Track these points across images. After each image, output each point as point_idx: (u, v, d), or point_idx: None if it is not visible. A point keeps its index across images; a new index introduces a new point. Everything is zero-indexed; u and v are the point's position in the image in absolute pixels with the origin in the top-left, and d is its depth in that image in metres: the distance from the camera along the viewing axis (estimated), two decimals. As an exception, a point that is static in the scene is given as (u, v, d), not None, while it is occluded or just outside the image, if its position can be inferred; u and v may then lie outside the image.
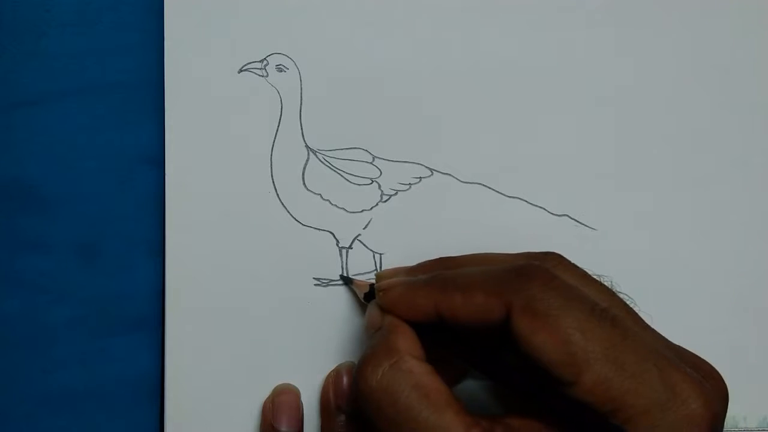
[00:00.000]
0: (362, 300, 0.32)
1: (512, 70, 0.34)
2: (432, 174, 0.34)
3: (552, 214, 0.34)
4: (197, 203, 0.33)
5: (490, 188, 0.34)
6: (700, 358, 0.25)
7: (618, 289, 0.25)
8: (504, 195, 0.34)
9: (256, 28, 0.33)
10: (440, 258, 0.30)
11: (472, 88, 0.34)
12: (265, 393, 0.33)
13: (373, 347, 0.26)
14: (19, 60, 0.34)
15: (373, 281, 0.32)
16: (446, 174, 0.34)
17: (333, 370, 0.33)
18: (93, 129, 0.34)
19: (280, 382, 0.33)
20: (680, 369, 0.23)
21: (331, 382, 0.32)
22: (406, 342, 0.26)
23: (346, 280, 0.33)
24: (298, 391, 0.33)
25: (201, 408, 0.33)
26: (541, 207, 0.34)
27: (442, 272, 0.28)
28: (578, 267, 0.27)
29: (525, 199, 0.34)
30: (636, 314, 0.25)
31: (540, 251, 0.27)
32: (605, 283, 0.26)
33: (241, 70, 0.33)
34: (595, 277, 0.26)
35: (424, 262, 0.31)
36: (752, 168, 0.35)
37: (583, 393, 0.23)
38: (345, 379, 0.32)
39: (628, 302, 0.26)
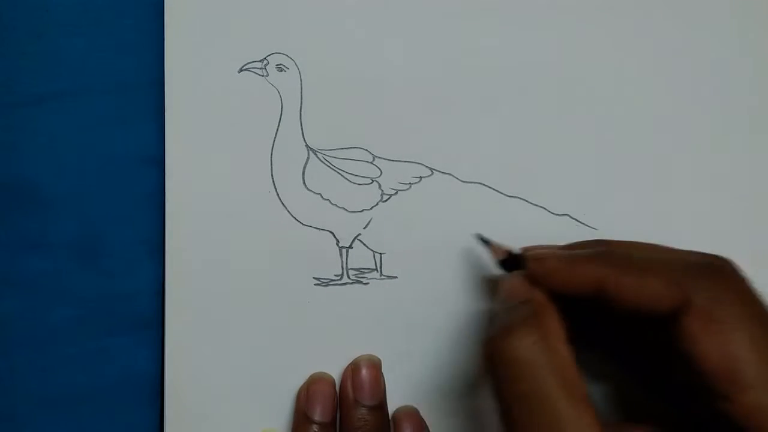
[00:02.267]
0: (498, 265, 0.30)
1: (513, 70, 0.34)
2: (432, 174, 0.34)
3: (552, 213, 0.34)
4: (197, 203, 0.33)
5: (490, 188, 0.34)
6: None
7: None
8: (504, 195, 0.34)
9: (256, 28, 0.33)
10: (599, 239, 0.29)
11: (472, 87, 0.34)
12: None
13: (521, 317, 0.25)
14: (19, 60, 0.34)
15: (512, 248, 0.30)
16: (446, 174, 0.34)
17: (351, 363, 0.33)
18: (93, 129, 0.34)
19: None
20: None
21: (349, 375, 0.32)
22: (555, 322, 0.25)
23: (483, 240, 0.31)
24: (333, 380, 0.33)
25: (201, 408, 0.33)
26: (541, 207, 0.34)
27: (614, 247, 0.27)
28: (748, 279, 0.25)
29: (525, 198, 0.34)
30: None
31: (714, 254, 0.26)
32: None
33: (241, 70, 0.33)
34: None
35: (578, 242, 0.29)
36: (753, 168, 0.35)
37: (736, 412, 0.22)
38: (363, 372, 0.32)
39: None
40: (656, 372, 0.25)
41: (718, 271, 0.24)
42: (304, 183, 0.33)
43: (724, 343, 0.23)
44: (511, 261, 0.30)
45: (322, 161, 0.33)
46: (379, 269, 0.34)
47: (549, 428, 0.22)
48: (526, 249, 0.30)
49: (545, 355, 0.23)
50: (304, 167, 0.33)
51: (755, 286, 0.25)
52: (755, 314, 0.23)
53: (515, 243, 0.34)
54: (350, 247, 0.33)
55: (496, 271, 0.31)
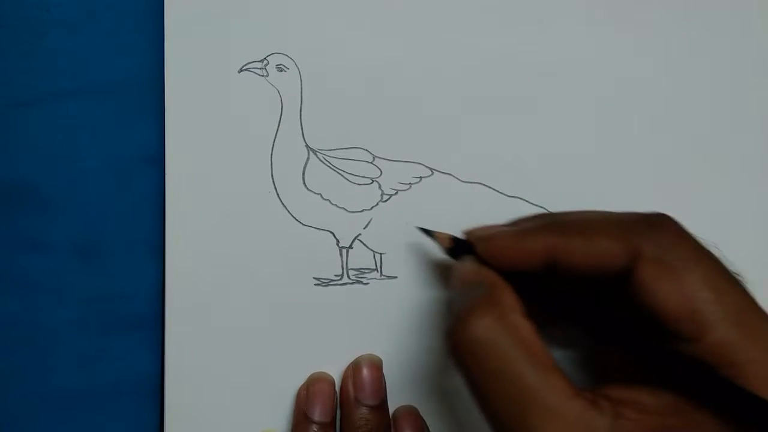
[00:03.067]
0: (445, 254, 0.30)
1: (513, 70, 0.34)
2: (432, 174, 0.34)
3: (552, 213, 0.34)
4: (197, 203, 0.33)
5: (490, 188, 0.34)
6: None
7: (728, 264, 0.25)
8: (504, 195, 0.34)
9: (256, 28, 0.33)
10: (540, 213, 0.29)
11: (472, 87, 0.34)
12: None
13: (475, 299, 0.25)
14: (19, 60, 0.34)
15: (455, 235, 0.30)
16: (446, 174, 0.34)
17: (351, 363, 0.33)
18: (93, 129, 0.34)
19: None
20: None
21: (350, 375, 0.32)
22: (511, 297, 0.25)
23: (426, 232, 0.31)
24: (333, 379, 0.33)
25: (201, 408, 0.33)
26: (541, 207, 0.34)
27: (557, 217, 0.27)
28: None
29: (525, 198, 0.34)
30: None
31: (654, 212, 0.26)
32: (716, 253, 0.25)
33: (241, 70, 0.33)
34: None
35: (521, 217, 0.29)
36: (754, 168, 0.35)
37: (703, 352, 0.22)
38: (364, 372, 0.32)
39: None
40: (620, 331, 0.25)
41: (660, 223, 0.24)
42: (304, 183, 0.33)
43: (680, 286, 0.23)
44: (458, 247, 0.29)
45: (322, 161, 0.33)
46: (379, 269, 0.34)
47: (521, 400, 0.22)
48: (470, 232, 0.29)
49: (505, 331, 0.23)
50: (304, 167, 0.33)
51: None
52: (703, 255, 0.24)
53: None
54: (350, 247, 0.33)
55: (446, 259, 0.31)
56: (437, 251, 0.34)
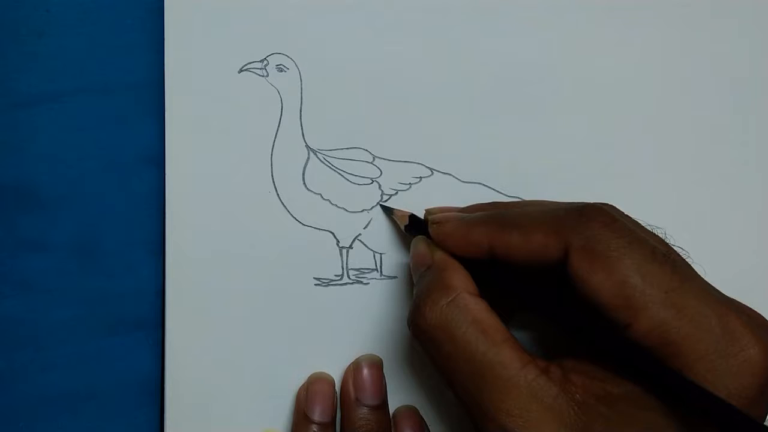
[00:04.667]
0: (403, 230, 0.32)
1: (513, 70, 0.34)
2: (432, 174, 0.34)
3: (552, 213, 0.34)
4: (197, 203, 0.33)
5: (490, 188, 0.34)
6: (753, 309, 0.25)
7: (671, 242, 0.25)
8: (504, 195, 0.34)
9: (256, 28, 0.33)
10: (494, 201, 0.31)
11: (472, 87, 0.34)
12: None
13: (427, 285, 0.27)
14: (19, 60, 0.34)
15: (411, 212, 0.32)
16: (446, 174, 0.34)
17: (352, 363, 0.33)
18: (93, 129, 0.34)
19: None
20: (738, 316, 0.23)
21: (350, 375, 0.32)
22: (461, 279, 0.27)
23: (386, 210, 0.33)
24: (333, 379, 0.33)
25: (201, 408, 0.33)
26: (541, 207, 0.34)
27: (499, 210, 0.28)
28: (631, 217, 0.26)
29: (525, 198, 0.34)
30: (690, 265, 0.25)
31: (595, 201, 0.27)
32: (659, 234, 0.26)
33: (241, 70, 0.33)
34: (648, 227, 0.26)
35: (477, 204, 0.31)
36: (754, 168, 0.35)
37: (639, 336, 0.23)
38: (365, 372, 0.32)
39: (682, 254, 0.25)
40: (565, 315, 0.26)
41: (591, 214, 0.25)
42: (304, 183, 0.33)
43: (610, 274, 0.23)
44: (414, 226, 0.31)
45: (322, 161, 0.33)
46: (379, 269, 0.34)
47: (477, 376, 0.24)
48: (429, 211, 0.32)
49: (457, 312, 0.25)
50: (304, 167, 0.33)
51: (634, 220, 0.26)
52: (634, 240, 0.24)
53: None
54: (350, 247, 0.33)
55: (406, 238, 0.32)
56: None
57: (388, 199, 0.34)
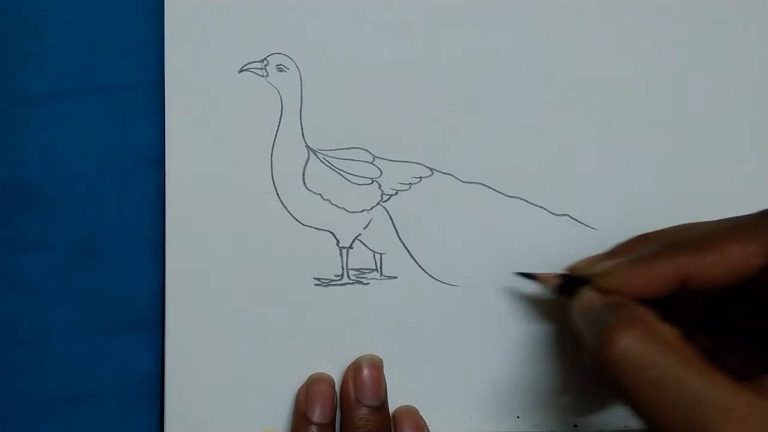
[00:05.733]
0: (555, 294, 0.30)
1: (512, 70, 0.34)
2: (432, 174, 0.34)
3: (552, 213, 0.34)
4: (197, 203, 0.33)
5: (490, 188, 0.34)
6: None
7: None
8: (504, 195, 0.34)
9: (256, 28, 0.33)
10: (638, 236, 0.29)
11: (472, 87, 0.34)
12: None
13: (614, 316, 0.25)
14: (19, 60, 0.34)
15: (564, 272, 0.30)
16: (446, 174, 0.34)
17: (352, 363, 0.33)
18: (93, 129, 0.34)
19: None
20: None
21: (350, 375, 0.32)
22: (645, 310, 0.25)
23: (528, 276, 0.32)
24: (333, 380, 0.33)
25: (201, 408, 0.33)
26: (541, 207, 0.34)
27: (673, 238, 0.27)
28: None
29: (525, 199, 0.34)
30: None
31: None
32: None
33: (241, 70, 0.33)
34: None
35: (621, 243, 0.30)
36: (753, 168, 0.35)
37: None
38: (365, 372, 0.32)
39: None
40: (756, 330, 0.25)
41: None
42: (304, 183, 0.33)
43: None
44: (568, 284, 0.30)
45: (322, 161, 0.33)
46: (379, 269, 0.34)
47: (689, 403, 0.22)
48: (577, 268, 0.30)
49: (653, 340, 0.24)
50: (304, 167, 0.33)
51: None
52: None
53: (515, 243, 0.34)
54: (350, 247, 0.33)
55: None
56: (437, 252, 0.34)
57: (389, 199, 0.34)
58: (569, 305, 0.29)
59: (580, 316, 0.28)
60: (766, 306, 0.24)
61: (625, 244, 0.30)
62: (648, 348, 0.24)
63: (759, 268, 0.24)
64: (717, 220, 0.28)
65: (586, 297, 0.28)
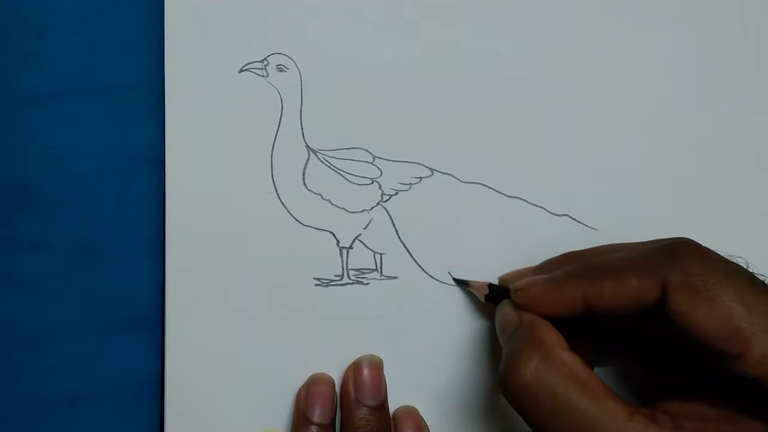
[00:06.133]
0: (483, 301, 0.32)
1: (512, 70, 0.34)
2: (432, 174, 0.34)
3: (552, 214, 0.34)
4: (197, 203, 0.33)
5: (490, 188, 0.34)
6: None
7: (755, 270, 0.26)
8: (504, 195, 0.34)
9: (256, 28, 0.33)
10: (566, 253, 0.31)
11: (472, 87, 0.34)
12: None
13: (519, 343, 0.26)
14: (19, 60, 0.34)
15: (490, 282, 0.32)
16: (446, 174, 0.34)
17: (352, 364, 0.33)
18: (93, 129, 0.34)
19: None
20: None
21: (350, 375, 0.32)
22: (552, 335, 0.26)
23: (460, 283, 0.33)
24: (333, 380, 0.33)
25: (201, 408, 0.33)
26: (541, 207, 0.34)
27: (583, 263, 0.28)
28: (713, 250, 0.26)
29: (525, 199, 0.34)
30: None
31: (671, 237, 0.27)
32: (741, 263, 0.26)
33: (241, 70, 0.33)
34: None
35: (550, 260, 0.31)
36: (753, 168, 0.35)
37: (749, 367, 0.23)
38: (365, 372, 0.32)
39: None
40: (662, 356, 0.26)
41: (682, 250, 0.25)
42: (304, 183, 0.33)
43: (714, 307, 0.23)
44: (495, 293, 0.31)
45: (322, 161, 0.33)
46: (379, 269, 0.34)
47: (584, 430, 0.24)
48: (504, 279, 0.32)
49: (552, 369, 0.25)
50: (305, 167, 0.33)
51: (717, 254, 0.26)
52: (731, 272, 0.24)
53: (515, 243, 0.34)
54: (350, 247, 0.33)
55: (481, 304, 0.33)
56: (437, 252, 0.34)
57: (389, 199, 0.34)
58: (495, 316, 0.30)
59: (499, 330, 0.29)
60: (668, 333, 0.25)
61: (554, 261, 0.31)
62: (547, 379, 0.25)
63: (654, 302, 0.25)
64: (627, 245, 0.29)
65: (504, 312, 0.29)
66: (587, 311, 0.27)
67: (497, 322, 0.30)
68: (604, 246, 0.30)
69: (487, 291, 0.32)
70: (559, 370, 0.25)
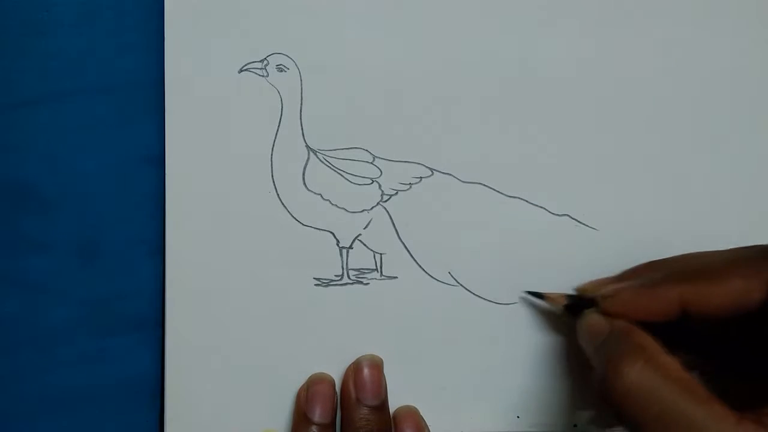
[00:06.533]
0: (562, 312, 0.32)
1: (512, 70, 0.34)
2: (432, 174, 0.34)
3: (552, 214, 0.34)
4: (197, 203, 0.33)
5: (490, 188, 0.34)
6: None
7: None
8: (504, 195, 0.34)
9: (256, 28, 0.33)
10: (647, 262, 0.30)
11: (472, 88, 0.34)
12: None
13: (617, 348, 0.26)
14: (19, 60, 0.34)
15: (570, 292, 0.32)
16: (446, 174, 0.34)
17: (352, 363, 0.33)
18: (93, 129, 0.34)
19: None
20: None
21: (351, 375, 0.32)
22: (651, 339, 0.26)
23: (536, 296, 0.33)
24: (333, 380, 0.33)
25: (201, 408, 0.33)
26: (541, 207, 0.34)
27: (679, 266, 0.28)
28: None
29: (525, 199, 0.34)
30: None
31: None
32: None
33: (241, 70, 0.33)
34: None
35: (631, 269, 0.31)
36: (753, 167, 0.35)
37: None
38: (365, 372, 0.32)
39: None
40: (758, 362, 0.25)
41: None
42: (305, 183, 0.33)
43: None
44: (575, 304, 0.31)
45: (322, 161, 0.33)
46: (379, 269, 0.34)
47: None
48: (585, 289, 0.31)
49: (657, 373, 0.24)
50: (305, 167, 0.33)
51: None
52: None
53: (515, 243, 0.34)
54: (350, 247, 0.33)
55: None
56: (437, 252, 0.34)
57: (389, 199, 0.34)
58: (576, 325, 0.30)
59: (585, 338, 0.29)
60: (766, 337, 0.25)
61: (632, 270, 0.31)
62: (652, 382, 0.24)
63: (761, 303, 0.24)
64: (720, 251, 0.28)
65: (592, 319, 0.29)
66: (683, 315, 0.26)
67: (582, 331, 0.29)
68: (686, 254, 0.30)
69: (565, 302, 0.31)
70: (663, 373, 0.24)
